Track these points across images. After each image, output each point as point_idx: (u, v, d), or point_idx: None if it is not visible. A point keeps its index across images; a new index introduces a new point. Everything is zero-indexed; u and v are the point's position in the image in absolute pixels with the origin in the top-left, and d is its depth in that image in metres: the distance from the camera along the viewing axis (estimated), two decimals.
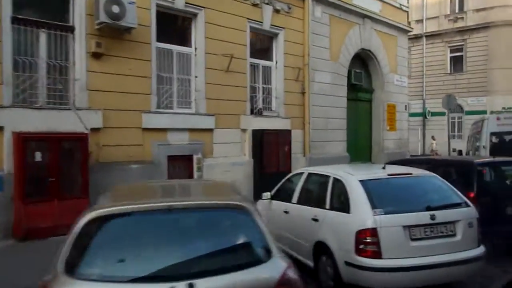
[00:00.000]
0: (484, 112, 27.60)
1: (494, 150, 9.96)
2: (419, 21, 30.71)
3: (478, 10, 28.40)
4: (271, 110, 11.86)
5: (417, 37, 30.73)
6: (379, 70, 15.52)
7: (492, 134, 9.89)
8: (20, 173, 6.71)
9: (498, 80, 27.56)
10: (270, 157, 11.00)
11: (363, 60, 15.39)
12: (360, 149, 15.14)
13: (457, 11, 29.51)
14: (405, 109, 16.73)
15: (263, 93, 11.75)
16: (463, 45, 29.04)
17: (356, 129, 14.94)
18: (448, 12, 29.74)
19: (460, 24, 29.09)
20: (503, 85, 27.49)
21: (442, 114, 28.83)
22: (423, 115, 30.04)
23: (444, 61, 29.78)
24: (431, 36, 30.17)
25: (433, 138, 27.55)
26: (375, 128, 15.74)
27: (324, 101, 12.97)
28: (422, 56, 30.52)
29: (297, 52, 12.29)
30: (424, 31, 30.36)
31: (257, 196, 8.43)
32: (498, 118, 9.59)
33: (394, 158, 15.82)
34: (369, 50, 14.95)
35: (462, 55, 29.19)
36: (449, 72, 29.76)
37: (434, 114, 29.94)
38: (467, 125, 28.73)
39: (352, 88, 14.52)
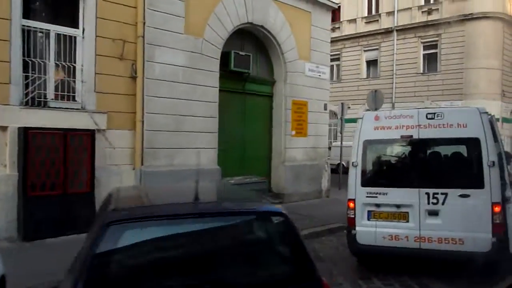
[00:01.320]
0: None
1: (372, 176, 6.15)
2: (390, 13, 26.84)
3: (454, 1, 24.45)
4: (73, 100, 8.09)
5: (387, 32, 26.88)
6: (280, 55, 11.69)
7: (368, 144, 6.03)
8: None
9: (476, 81, 23.55)
10: (49, 170, 7.24)
11: (257, 40, 11.61)
12: (250, 160, 11.33)
13: (431, 1, 25.56)
14: (324, 108, 12.87)
15: (60, 75, 7.97)
16: (437, 40, 25.07)
17: (243, 133, 11.15)
18: (422, 3, 25.81)
19: (434, 16, 25.15)
20: (481, 87, 23.48)
21: None
22: None
23: (417, 59, 25.81)
24: (402, 30, 26.26)
25: None
26: (276, 132, 11.90)
27: (171, 90, 9.22)
28: (392, 53, 26.58)
29: (124, 17, 8.57)
30: (395, 25, 26.44)
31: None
32: (377, 117, 5.70)
33: (302, 172, 11.97)
34: (262, 27, 11.13)
35: (436, 53, 25.20)
36: (422, 71, 25.78)
37: None
38: None
39: (233, 76, 10.75)
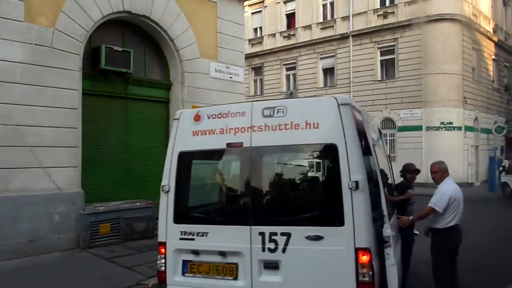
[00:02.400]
0: (419, 128, 21.86)
1: (189, 207, 4.07)
2: (345, 18, 25.24)
3: (410, 3, 22.97)
4: None
5: (343, 37, 25.24)
6: (174, 53, 9.63)
7: (184, 158, 3.90)
8: None
9: (435, 88, 21.92)
10: None
11: (146, 35, 9.54)
12: (136, 181, 9.14)
13: (387, 4, 24.05)
14: None
15: None
16: (394, 45, 23.47)
17: (127, 147, 8.97)
18: (378, 6, 24.28)
19: (390, 20, 23.61)
20: (441, 94, 21.83)
21: None
22: None
23: (374, 66, 24.13)
24: (358, 35, 24.64)
25: None
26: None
27: (4, 94, 7.01)
28: (349, 60, 24.89)
29: None
30: (351, 30, 24.82)
31: None
32: (197, 117, 3.57)
33: None
34: (147, 17, 9.07)
35: (393, 58, 23.58)
36: (379, 79, 24.08)
37: None
38: (401, 144, 22.96)
39: (108, 77, 8.64)
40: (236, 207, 3.81)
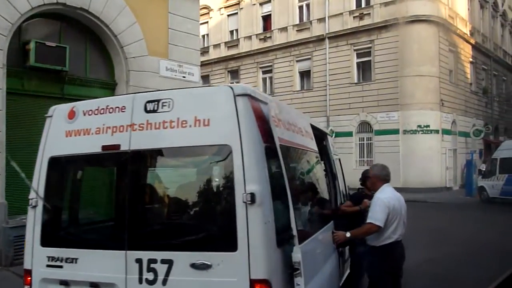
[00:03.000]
0: (396, 131, 21.34)
1: (58, 226, 3.31)
2: (321, 19, 24.73)
3: (386, 4, 22.55)
4: None
5: (319, 39, 24.71)
6: (118, 50, 8.84)
7: (55, 164, 3.11)
8: None
9: (412, 90, 21.47)
10: None
11: (88, 30, 8.74)
12: None
13: (363, 5, 23.59)
14: None
15: None
16: (370, 47, 23.00)
17: None
18: (354, 8, 23.81)
19: (366, 21, 23.15)
20: (418, 97, 21.38)
21: (349, 134, 22.51)
22: None
23: (350, 68, 23.62)
24: (334, 37, 24.13)
25: None
26: None
27: None
28: (325, 63, 24.33)
29: None
30: (327, 32, 24.30)
31: None
32: (72, 113, 2.77)
33: None
34: (85, 10, 8.27)
35: (370, 60, 23.09)
36: (356, 81, 23.56)
37: (339, 134, 23.49)
38: (378, 148, 22.42)
39: (41, 75, 7.82)
40: (111, 227, 3.05)
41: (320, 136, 5.28)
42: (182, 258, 2.67)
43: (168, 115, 2.84)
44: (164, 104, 2.88)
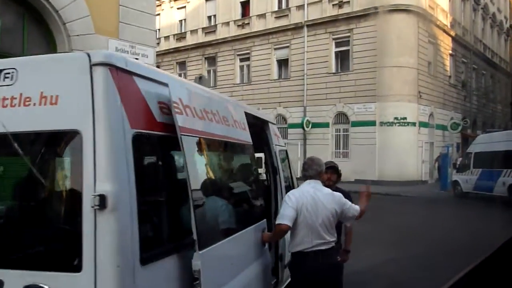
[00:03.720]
0: (373, 123, 20.88)
1: None
2: (300, 7, 24.02)
3: None
4: None
5: (298, 27, 24.03)
6: (61, 27, 8.02)
7: None
8: None
9: (390, 81, 20.97)
10: None
11: (29, 5, 7.88)
12: None
13: None
14: None
15: None
16: (349, 36, 22.41)
17: None
18: None
19: (346, 9, 22.53)
20: (395, 88, 20.90)
21: (325, 125, 22.00)
22: (301, 126, 22.99)
23: (328, 58, 23.02)
24: (313, 25, 23.48)
25: None
26: None
27: None
28: (303, 51, 23.67)
29: None
30: (306, 19, 23.61)
31: None
32: None
33: None
34: None
35: (348, 50, 22.52)
36: (334, 71, 23.00)
37: (315, 125, 23.00)
38: (355, 140, 21.96)
39: None
40: None
41: (259, 125, 4.65)
42: (14, 279, 2.00)
43: (10, 90, 2.16)
44: (6, 75, 2.19)
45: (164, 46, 30.65)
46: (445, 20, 24.80)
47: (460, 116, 25.93)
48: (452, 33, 25.67)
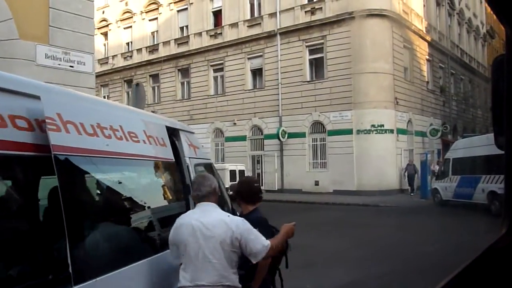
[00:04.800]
0: (350, 131, 20.20)
1: None
2: (273, 14, 23.44)
3: None
4: None
5: (270, 35, 23.42)
6: None
7: None
8: None
9: (365, 88, 20.39)
10: None
11: None
12: None
13: (314, 0, 22.42)
14: None
15: None
16: (323, 43, 21.84)
17: None
18: (305, 2, 22.64)
19: (318, 16, 21.99)
20: (371, 95, 20.30)
21: (302, 135, 21.24)
22: (277, 136, 22.20)
23: (303, 66, 22.39)
24: (286, 33, 22.89)
25: None
26: None
27: None
28: (277, 60, 23.03)
29: None
30: (278, 27, 23.02)
31: None
32: None
33: None
34: None
35: (322, 57, 21.93)
36: (308, 79, 22.35)
37: (292, 135, 22.25)
38: (332, 150, 21.23)
39: None
40: None
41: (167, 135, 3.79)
42: None
43: None
44: None
45: (136, 59, 29.87)
46: (420, 25, 24.44)
47: (440, 122, 25.46)
48: (428, 38, 25.31)
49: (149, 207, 3.26)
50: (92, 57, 8.69)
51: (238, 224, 2.65)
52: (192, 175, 3.86)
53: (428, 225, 12.11)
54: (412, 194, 19.70)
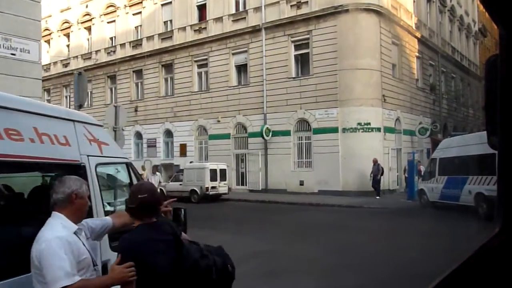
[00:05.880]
0: (335, 130, 19.50)
1: None
2: (258, 8, 22.66)
3: None
4: None
5: (255, 30, 22.66)
6: None
7: None
8: None
9: (352, 85, 19.70)
10: None
11: None
12: None
13: None
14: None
15: None
16: (308, 38, 21.11)
17: None
18: None
19: (304, 10, 21.26)
20: (358, 92, 19.62)
21: (286, 133, 20.50)
22: (261, 134, 21.45)
23: (288, 61, 21.66)
24: (271, 27, 22.15)
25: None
26: None
27: None
28: (262, 55, 22.28)
29: None
30: (263, 21, 22.27)
31: None
32: None
33: None
34: None
35: (308, 53, 21.21)
36: (294, 75, 21.62)
37: (276, 133, 21.51)
38: (317, 148, 20.52)
39: None
40: None
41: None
42: None
43: None
44: None
45: (120, 54, 29.02)
46: (409, 21, 23.78)
47: (430, 121, 24.83)
48: (418, 35, 24.66)
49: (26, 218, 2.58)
50: (39, 45, 7.88)
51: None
52: (92, 178, 3.10)
53: (413, 229, 11.40)
54: (377, 197, 17.92)
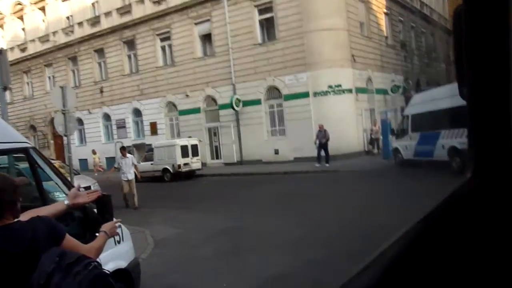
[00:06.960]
0: (306, 94, 18.96)
1: None
2: None
3: None
4: None
5: None
6: None
7: None
8: None
9: (319, 47, 19.06)
10: None
11: None
12: None
13: None
14: None
15: None
16: (272, 1, 20.23)
17: None
18: None
19: None
20: (326, 53, 19.01)
21: (257, 102, 19.90)
22: (231, 106, 20.78)
23: (253, 27, 20.81)
24: None
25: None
26: None
27: None
28: (225, 23, 21.33)
29: None
30: None
31: None
32: None
33: None
34: None
35: (273, 17, 20.36)
36: (259, 42, 20.82)
37: (247, 103, 20.89)
38: (290, 115, 20.01)
39: None
40: None
41: None
42: None
43: None
44: None
45: (78, 33, 27.61)
46: None
47: (402, 78, 24.47)
48: None
49: None
50: None
51: None
52: None
53: (381, 190, 11.08)
54: (327, 164, 16.68)
